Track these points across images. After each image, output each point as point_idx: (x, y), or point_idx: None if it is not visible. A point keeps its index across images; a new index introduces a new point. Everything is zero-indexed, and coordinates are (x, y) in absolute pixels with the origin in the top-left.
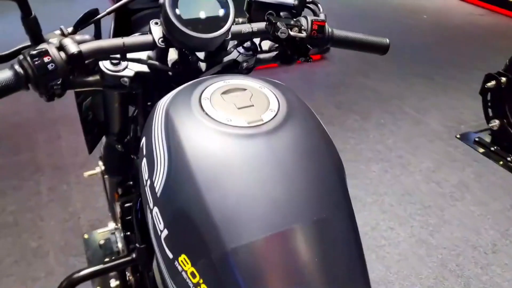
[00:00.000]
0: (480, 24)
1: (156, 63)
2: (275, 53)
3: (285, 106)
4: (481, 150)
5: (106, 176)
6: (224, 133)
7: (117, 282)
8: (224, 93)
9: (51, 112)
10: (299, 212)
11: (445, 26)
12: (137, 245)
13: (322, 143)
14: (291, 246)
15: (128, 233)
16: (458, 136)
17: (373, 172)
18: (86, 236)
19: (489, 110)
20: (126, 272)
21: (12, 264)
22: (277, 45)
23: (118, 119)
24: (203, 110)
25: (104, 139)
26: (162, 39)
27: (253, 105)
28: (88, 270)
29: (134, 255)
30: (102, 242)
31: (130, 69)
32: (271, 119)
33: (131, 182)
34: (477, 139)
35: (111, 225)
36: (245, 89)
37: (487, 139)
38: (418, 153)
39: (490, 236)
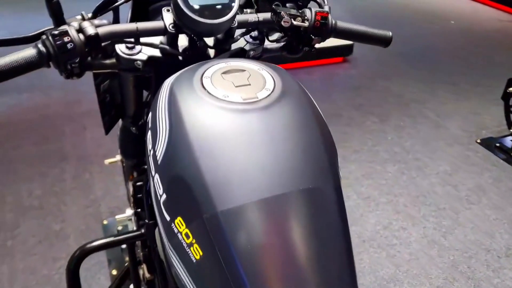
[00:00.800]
0: (509, 31)
1: (167, 47)
2: (282, 43)
3: (280, 86)
4: (502, 155)
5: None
6: (221, 107)
7: (127, 258)
8: (224, 73)
9: (78, 107)
10: (287, 181)
11: (473, 32)
12: (146, 220)
13: (314, 122)
14: (277, 212)
15: (139, 209)
16: (478, 141)
17: (388, 173)
18: (105, 222)
19: (511, 116)
20: (136, 249)
21: (36, 244)
22: (285, 37)
23: (133, 102)
24: (204, 87)
25: (120, 121)
26: (172, 24)
27: (250, 84)
28: (100, 241)
29: (143, 230)
30: (120, 227)
31: (143, 53)
32: (266, 97)
33: (145, 166)
34: (498, 145)
35: (129, 211)
36: (244, 70)
37: (509, 145)
38: (435, 156)
39: (505, 240)
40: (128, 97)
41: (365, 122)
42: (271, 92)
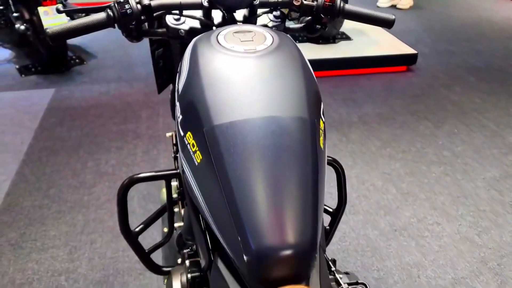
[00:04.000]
0: None
1: (203, 19)
2: (303, 24)
3: (277, 44)
4: None
5: None
6: (227, 55)
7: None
8: (235, 32)
9: (155, 97)
10: (271, 108)
11: None
12: (179, 166)
13: (300, 71)
14: (261, 129)
15: (177, 155)
16: None
17: (433, 173)
18: (163, 190)
19: None
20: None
21: (106, 201)
22: (301, 16)
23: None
24: (217, 41)
25: (171, 86)
26: (207, 0)
27: (252, 41)
28: (144, 174)
29: (178, 170)
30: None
31: (186, 24)
32: (263, 49)
33: None
34: None
35: None
36: (251, 31)
37: None
38: (486, 163)
39: None
40: (176, 63)
41: (418, 127)
42: (268, 47)
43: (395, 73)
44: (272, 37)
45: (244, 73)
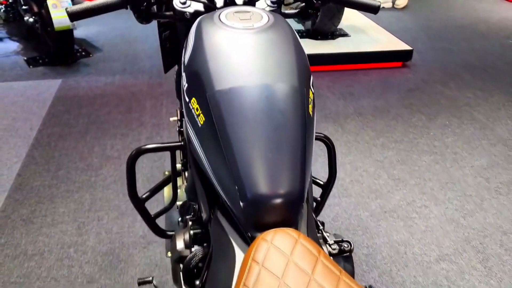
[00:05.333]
0: None
1: (207, 2)
2: (297, 10)
3: (272, 23)
4: None
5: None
6: (227, 30)
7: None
8: (236, 12)
9: (159, 88)
10: (267, 76)
11: None
12: (185, 134)
13: (292, 46)
14: (256, 95)
15: (182, 128)
16: None
17: (423, 161)
18: (166, 172)
19: None
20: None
21: (112, 182)
22: (301, 4)
23: None
24: (219, 19)
25: (176, 66)
26: None
27: (250, 19)
28: (150, 146)
29: (182, 143)
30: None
31: (191, 7)
32: (259, 26)
33: None
34: None
35: None
36: (249, 12)
37: None
38: (475, 153)
39: None
40: (181, 45)
41: (411, 119)
42: (264, 25)
43: (391, 69)
44: (268, 17)
45: (242, 46)
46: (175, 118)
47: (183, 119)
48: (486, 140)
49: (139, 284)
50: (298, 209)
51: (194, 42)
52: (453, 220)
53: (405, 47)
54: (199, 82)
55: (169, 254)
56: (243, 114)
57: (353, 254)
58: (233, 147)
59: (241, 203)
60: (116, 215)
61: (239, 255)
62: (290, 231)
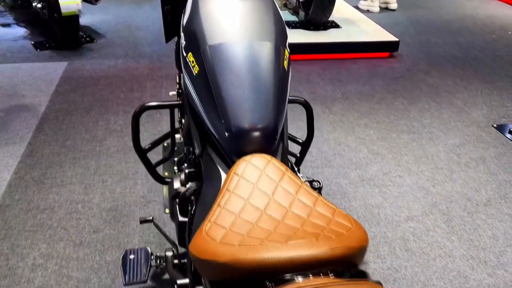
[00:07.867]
0: None
1: None
2: None
3: None
4: None
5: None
6: (220, 0)
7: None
8: None
9: (159, 71)
10: (251, 35)
11: None
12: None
13: (272, 13)
14: (242, 49)
15: (180, 90)
16: (495, 125)
17: (402, 139)
18: (165, 144)
19: None
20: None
21: (115, 152)
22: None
23: None
24: None
25: (176, 38)
26: None
27: None
28: (152, 103)
29: (180, 102)
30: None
31: None
32: None
33: None
34: None
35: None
36: None
37: None
38: (449, 133)
39: (488, 195)
40: (179, 17)
41: (394, 103)
42: None
43: (378, 59)
44: None
45: (232, 11)
46: (174, 93)
47: (181, 75)
48: (461, 122)
49: (141, 222)
50: (272, 140)
51: (191, 8)
52: (424, 188)
53: (392, 38)
54: (194, 39)
55: (167, 210)
56: (230, 64)
57: None
58: (221, 91)
59: (226, 134)
60: (119, 178)
61: (224, 176)
62: (265, 155)
